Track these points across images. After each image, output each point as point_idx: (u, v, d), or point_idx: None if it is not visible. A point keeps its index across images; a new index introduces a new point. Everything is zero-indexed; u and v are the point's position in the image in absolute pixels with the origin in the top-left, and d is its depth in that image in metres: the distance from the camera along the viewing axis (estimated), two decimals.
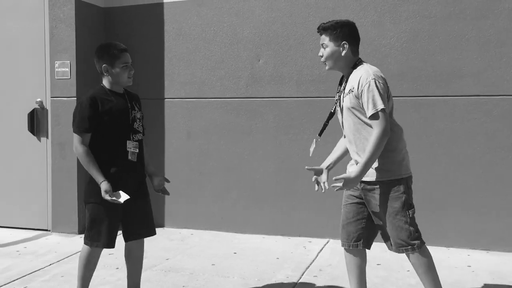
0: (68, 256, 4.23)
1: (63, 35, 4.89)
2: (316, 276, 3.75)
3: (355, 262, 2.91)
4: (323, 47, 2.85)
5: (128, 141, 2.98)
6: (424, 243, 2.77)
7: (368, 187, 2.77)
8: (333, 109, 2.96)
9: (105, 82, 3.02)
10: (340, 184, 2.67)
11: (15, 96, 5.13)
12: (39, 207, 5.10)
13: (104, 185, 2.84)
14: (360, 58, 2.87)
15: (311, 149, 3.09)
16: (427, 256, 2.77)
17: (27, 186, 5.13)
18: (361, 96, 2.69)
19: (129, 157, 2.99)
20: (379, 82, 2.67)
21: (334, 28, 2.80)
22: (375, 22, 4.52)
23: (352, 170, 2.73)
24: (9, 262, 4.10)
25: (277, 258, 4.16)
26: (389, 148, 2.71)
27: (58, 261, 4.12)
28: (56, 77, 4.92)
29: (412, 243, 2.72)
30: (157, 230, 5.00)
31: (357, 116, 2.75)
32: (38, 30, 5.03)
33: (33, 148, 5.10)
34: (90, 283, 3.10)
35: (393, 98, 4.43)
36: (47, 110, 5.03)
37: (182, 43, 5.05)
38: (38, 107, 5.04)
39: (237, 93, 4.91)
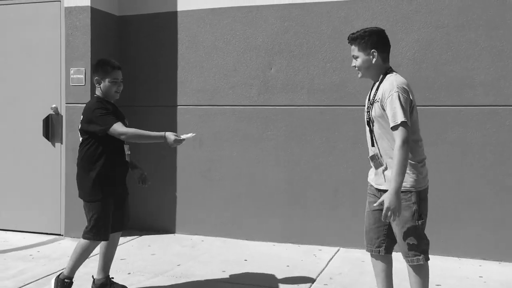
0: None
1: (78, 42, 4.96)
2: (326, 284, 3.76)
3: (380, 267, 3.00)
4: (354, 57, 2.91)
5: (124, 145, 3.41)
6: (429, 259, 2.82)
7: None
8: (367, 117, 2.95)
9: (98, 93, 3.39)
10: (388, 215, 2.67)
11: (30, 101, 5.21)
12: (52, 211, 5.16)
13: (170, 134, 3.20)
14: (390, 67, 2.92)
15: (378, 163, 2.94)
16: (425, 273, 2.82)
17: (41, 190, 5.19)
18: (385, 108, 2.75)
19: (127, 159, 3.43)
20: (402, 94, 2.71)
21: (362, 37, 2.86)
22: (387, 31, 4.42)
23: (389, 193, 2.67)
24: (23, 265, 4.15)
25: (287, 266, 4.17)
26: (411, 160, 2.76)
27: None
28: (71, 84, 4.99)
29: (417, 253, 2.78)
30: (169, 236, 5.11)
31: (381, 124, 2.81)
32: (54, 37, 5.11)
33: (48, 153, 5.17)
34: None
35: None
36: (61, 116, 5.11)
37: (195, 51, 5.11)
38: (53, 113, 5.11)
39: (249, 101, 4.94)
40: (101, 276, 3.51)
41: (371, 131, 2.90)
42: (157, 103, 5.26)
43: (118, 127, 3.20)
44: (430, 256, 4.28)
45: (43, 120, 5.12)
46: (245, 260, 4.34)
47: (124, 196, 3.49)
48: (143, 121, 5.33)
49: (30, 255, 4.47)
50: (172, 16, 5.17)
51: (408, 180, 2.77)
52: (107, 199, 3.30)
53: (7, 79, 5.29)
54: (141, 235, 5.12)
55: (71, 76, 4.99)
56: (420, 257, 2.79)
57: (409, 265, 2.84)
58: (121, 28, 5.34)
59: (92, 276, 3.56)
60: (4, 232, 5.23)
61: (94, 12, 4.98)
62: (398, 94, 2.71)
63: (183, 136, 3.24)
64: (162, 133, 3.22)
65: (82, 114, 3.36)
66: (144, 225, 5.29)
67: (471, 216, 4.36)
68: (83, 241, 3.32)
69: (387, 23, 4.53)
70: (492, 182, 4.31)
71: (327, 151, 4.73)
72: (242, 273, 3.98)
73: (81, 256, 3.34)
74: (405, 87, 2.77)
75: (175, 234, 5.18)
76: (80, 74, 4.96)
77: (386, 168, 2.83)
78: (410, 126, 2.71)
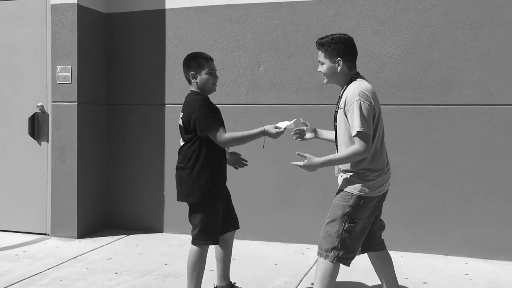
0: (67, 261, 4.24)
1: (65, 40, 4.92)
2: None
3: (376, 268, 3.09)
4: (320, 63, 2.94)
5: None
6: (339, 264, 2.81)
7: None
8: (334, 124, 2.99)
9: (194, 89, 3.25)
10: (300, 163, 2.81)
11: (16, 100, 5.15)
12: (39, 211, 5.11)
13: (269, 127, 3.10)
14: (357, 73, 2.91)
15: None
16: (328, 272, 2.80)
17: (27, 189, 5.14)
18: (347, 115, 2.76)
19: (227, 156, 3.38)
20: (363, 103, 2.71)
21: (329, 45, 2.86)
22: (375, 30, 4.55)
23: (316, 159, 2.81)
24: (8, 265, 4.11)
25: (276, 265, 4.17)
26: (360, 168, 2.80)
27: (57, 265, 4.13)
28: (57, 82, 4.94)
29: (328, 250, 2.81)
30: (157, 235, 5.09)
31: (343, 132, 2.83)
32: (40, 35, 5.06)
33: (34, 152, 5.11)
34: None
35: (393, 106, 4.51)
36: (48, 114, 5.06)
37: (183, 49, 5.08)
38: (39, 111, 5.06)
39: (238, 100, 4.93)
40: (224, 283, 3.39)
41: (336, 138, 2.96)
42: (144, 101, 5.23)
43: (220, 131, 3.07)
44: (416, 253, 4.30)
45: (29, 119, 5.07)
46: (234, 259, 4.32)
47: (228, 195, 3.39)
48: (130, 119, 5.30)
49: (16, 255, 4.42)
50: (160, 14, 5.14)
51: (355, 184, 2.81)
52: (217, 199, 3.20)
53: None
54: (128, 234, 5.09)
55: (58, 74, 4.94)
56: (330, 254, 2.79)
57: (319, 257, 2.87)
58: (109, 25, 5.30)
59: (214, 284, 3.48)
60: None
61: (81, 9, 4.93)
62: (360, 103, 2.71)
63: (281, 126, 3.11)
64: (261, 129, 3.11)
65: (182, 112, 3.18)
66: (132, 224, 5.26)
67: (458, 214, 4.39)
68: (194, 248, 3.17)
69: (374, 22, 4.54)
70: (478, 180, 4.35)
71: (315, 150, 4.73)
72: (231, 272, 3.97)
73: (200, 267, 3.18)
74: (367, 94, 2.75)
75: (163, 233, 5.16)
76: (66, 72, 4.92)
77: (338, 172, 2.93)
78: (371, 135, 2.71)
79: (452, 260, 4.28)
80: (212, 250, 3.38)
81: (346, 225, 2.80)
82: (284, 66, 4.79)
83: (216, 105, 3.35)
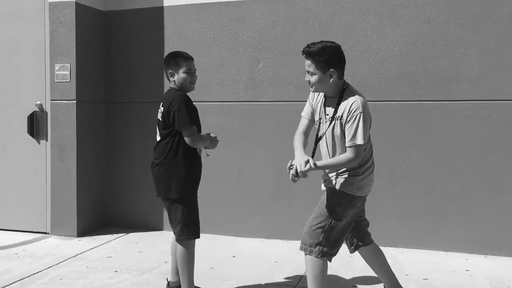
0: (67, 259, 4.24)
1: (63, 38, 4.90)
2: None
3: (369, 261, 3.16)
4: (309, 73, 2.84)
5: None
6: (326, 259, 2.86)
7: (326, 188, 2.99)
8: (321, 133, 2.97)
9: (172, 86, 3.32)
10: (295, 172, 2.76)
11: (15, 98, 5.14)
12: (38, 209, 5.10)
13: (214, 138, 3.36)
14: (345, 82, 2.89)
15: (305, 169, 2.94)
16: (323, 270, 2.84)
17: (26, 188, 5.13)
18: (345, 124, 2.77)
19: (202, 156, 3.40)
20: (366, 115, 2.75)
21: (321, 55, 2.75)
22: (375, 26, 4.54)
23: (314, 162, 2.76)
24: (8, 264, 4.10)
25: (276, 262, 4.16)
26: (353, 168, 2.86)
27: (57, 263, 4.13)
28: (56, 80, 4.93)
29: (314, 249, 2.84)
30: (156, 233, 5.09)
31: (339, 142, 2.85)
32: (38, 33, 5.04)
33: (33, 151, 5.10)
34: None
35: (392, 102, 4.51)
36: (46, 113, 5.04)
37: (182, 47, 5.06)
38: (38, 110, 5.05)
39: (237, 97, 4.92)
40: (176, 279, 3.40)
41: (326, 145, 2.92)
42: (143, 99, 5.22)
43: (193, 129, 3.16)
44: (416, 250, 4.30)
45: (28, 117, 5.06)
46: (234, 256, 4.33)
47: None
48: (129, 117, 5.29)
49: (16, 253, 4.42)
50: (158, 12, 5.12)
51: (348, 184, 2.87)
52: (195, 193, 3.27)
53: None
54: (128, 233, 5.08)
55: (56, 72, 4.93)
56: (314, 249, 2.83)
57: (304, 254, 2.89)
58: (107, 23, 5.28)
59: (167, 279, 3.48)
60: None
61: (79, 7, 4.91)
62: (363, 115, 2.73)
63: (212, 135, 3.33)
64: (208, 135, 3.32)
65: (163, 106, 3.21)
66: (131, 222, 5.26)
67: (457, 210, 4.39)
68: (180, 247, 3.20)
69: (374, 17, 4.53)
70: (478, 176, 4.34)
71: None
72: (230, 270, 3.97)
73: (190, 263, 3.21)
74: (366, 105, 2.80)
75: (163, 231, 5.16)
76: (65, 70, 4.90)
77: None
78: (365, 147, 2.78)
79: (453, 256, 4.27)
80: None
81: (332, 222, 2.85)
82: (283, 63, 4.78)
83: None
